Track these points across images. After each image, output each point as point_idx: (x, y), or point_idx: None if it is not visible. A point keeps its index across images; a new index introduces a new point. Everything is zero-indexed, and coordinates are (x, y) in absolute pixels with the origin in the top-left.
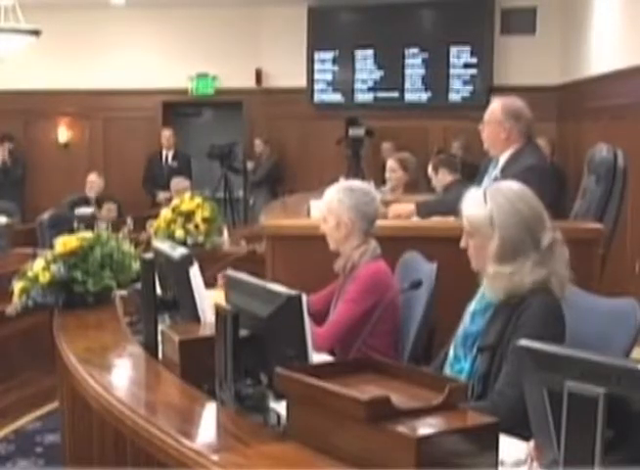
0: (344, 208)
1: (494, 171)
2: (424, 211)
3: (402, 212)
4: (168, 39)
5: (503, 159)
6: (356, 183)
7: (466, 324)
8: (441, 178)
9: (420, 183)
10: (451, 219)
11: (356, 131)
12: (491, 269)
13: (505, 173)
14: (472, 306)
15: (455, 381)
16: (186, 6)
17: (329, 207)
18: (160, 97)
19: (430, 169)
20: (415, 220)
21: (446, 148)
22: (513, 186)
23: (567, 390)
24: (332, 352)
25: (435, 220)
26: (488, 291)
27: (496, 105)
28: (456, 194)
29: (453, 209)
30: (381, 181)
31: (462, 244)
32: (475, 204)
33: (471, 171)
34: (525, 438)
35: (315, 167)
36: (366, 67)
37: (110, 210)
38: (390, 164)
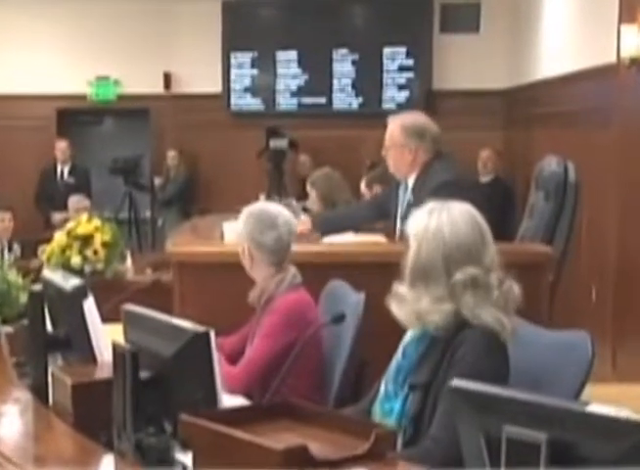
0: (242, 235)
1: (406, 197)
2: (322, 227)
3: (302, 231)
4: (63, 37)
5: (412, 181)
6: (260, 207)
7: (398, 358)
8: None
9: (338, 200)
10: (351, 237)
11: (278, 143)
12: (398, 289)
13: (417, 197)
14: (405, 339)
15: (382, 427)
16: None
17: (237, 231)
18: (53, 103)
19: (362, 186)
20: (339, 243)
21: (380, 161)
22: (456, 208)
23: (505, 435)
24: (249, 395)
25: (363, 244)
26: (398, 316)
27: (395, 126)
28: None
29: (354, 224)
30: (304, 196)
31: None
32: (421, 214)
33: None
34: None
35: (232, 184)
36: (289, 70)
37: (2, 220)
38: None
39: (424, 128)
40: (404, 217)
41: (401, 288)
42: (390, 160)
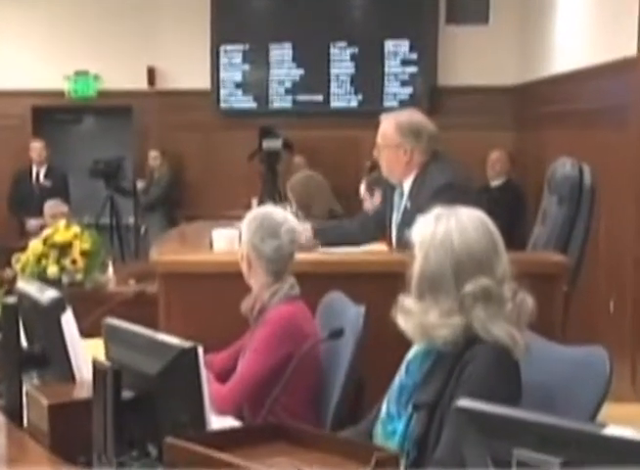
0: (244, 240)
1: (402, 203)
2: (323, 239)
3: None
4: (39, 28)
5: (407, 185)
6: (264, 212)
7: (401, 376)
8: (377, 201)
9: (314, 206)
10: (355, 250)
11: (272, 143)
12: (404, 301)
13: (414, 202)
14: (409, 355)
15: (384, 450)
16: None
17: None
18: (28, 100)
19: (362, 190)
20: (337, 252)
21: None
22: (466, 214)
23: (515, 459)
24: (240, 416)
25: (363, 253)
26: (405, 329)
27: (388, 125)
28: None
29: (356, 239)
30: None
31: None
32: (427, 220)
33: None
34: None
35: (222, 188)
36: (283, 65)
37: None
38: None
39: (420, 127)
40: (401, 225)
41: (407, 300)
42: (384, 161)
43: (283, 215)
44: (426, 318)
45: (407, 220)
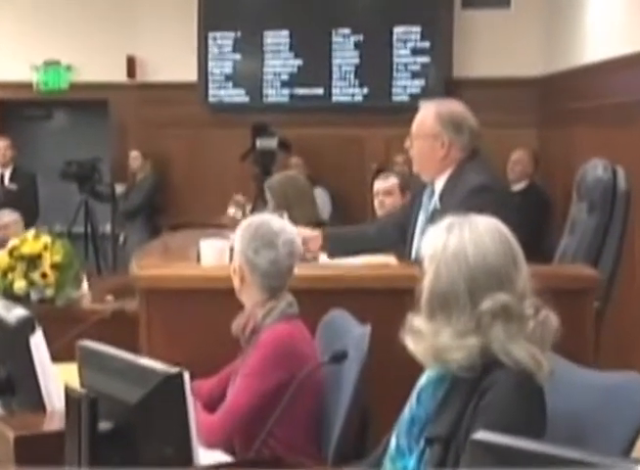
0: (236, 251)
1: (431, 204)
2: (336, 245)
3: (309, 248)
4: (4, 14)
5: (440, 184)
6: (260, 220)
7: (412, 405)
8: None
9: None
10: (379, 259)
11: (266, 143)
12: (414, 321)
13: (445, 203)
14: (420, 381)
15: None
16: None
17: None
18: None
19: (377, 194)
20: (338, 265)
21: (388, 164)
22: (481, 223)
23: None
24: (230, 449)
25: (369, 266)
26: (415, 352)
27: (428, 112)
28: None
29: (373, 246)
30: None
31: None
32: (439, 230)
33: None
34: None
35: (211, 193)
36: (279, 54)
37: None
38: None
39: (462, 119)
40: (427, 229)
41: (417, 320)
42: (416, 154)
43: (281, 225)
44: (438, 340)
45: (434, 224)
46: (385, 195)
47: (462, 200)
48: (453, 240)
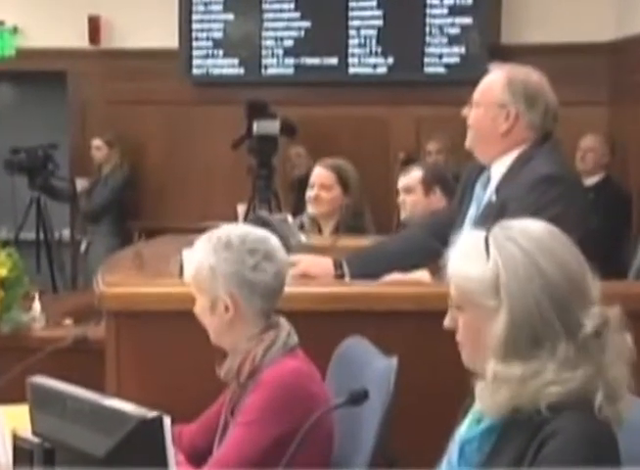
0: (220, 276)
1: (486, 193)
2: (358, 266)
3: (315, 271)
4: None
5: (498, 170)
6: (240, 230)
7: (452, 459)
8: (436, 203)
9: (365, 213)
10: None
11: (266, 125)
12: (491, 369)
13: (501, 194)
14: (462, 431)
15: None
16: None
17: (196, 275)
18: None
19: (401, 190)
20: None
21: (419, 152)
22: (534, 228)
23: None
24: None
25: (395, 283)
26: (484, 404)
27: (497, 77)
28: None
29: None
30: (301, 207)
31: (446, 322)
32: (469, 256)
33: None
34: None
35: (194, 189)
36: (282, 15)
37: None
38: (320, 176)
39: (538, 92)
40: (478, 226)
41: (499, 366)
42: (473, 125)
43: (258, 230)
44: (536, 380)
45: (487, 219)
46: (405, 193)
47: (525, 192)
48: (513, 250)
